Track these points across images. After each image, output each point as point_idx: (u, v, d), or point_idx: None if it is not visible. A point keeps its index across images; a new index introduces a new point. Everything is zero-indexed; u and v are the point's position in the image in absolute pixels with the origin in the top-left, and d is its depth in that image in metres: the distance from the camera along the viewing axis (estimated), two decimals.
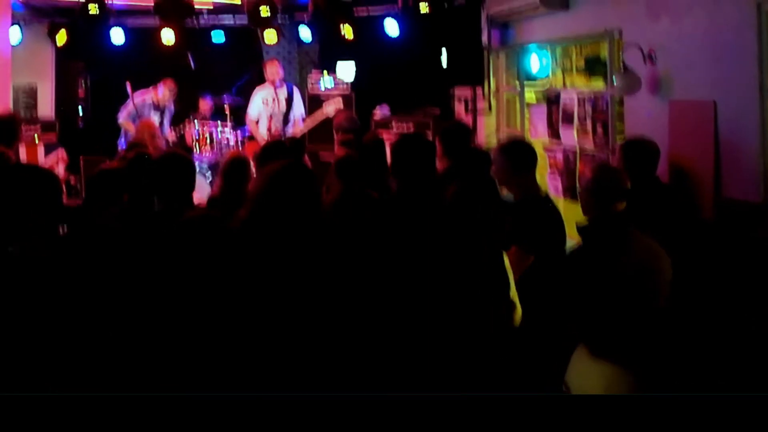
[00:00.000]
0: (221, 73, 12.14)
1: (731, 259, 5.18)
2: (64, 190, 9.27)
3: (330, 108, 10.29)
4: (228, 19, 12.04)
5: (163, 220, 4.68)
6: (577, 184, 7.63)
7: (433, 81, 10.46)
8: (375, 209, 4.81)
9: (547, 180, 8.23)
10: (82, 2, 9.94)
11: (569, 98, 7.98)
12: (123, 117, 10.43)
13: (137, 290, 4.12)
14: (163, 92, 10.50)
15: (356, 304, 3.70)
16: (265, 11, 10.53)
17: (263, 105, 10.47)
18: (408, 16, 10.61)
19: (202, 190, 6.18)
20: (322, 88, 11.69)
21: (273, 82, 10.47)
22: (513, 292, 4.61)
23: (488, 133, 9.97)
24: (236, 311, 3.65)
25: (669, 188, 5.78)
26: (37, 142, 10.45)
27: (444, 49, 9.51)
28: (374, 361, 3.72)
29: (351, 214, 4.88)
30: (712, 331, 4.68)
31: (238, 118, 10.88)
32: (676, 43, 6.11)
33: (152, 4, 10.27)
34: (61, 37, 10.84)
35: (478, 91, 9.74)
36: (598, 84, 7.97)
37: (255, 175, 5.55)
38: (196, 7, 10.69)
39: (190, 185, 5.07)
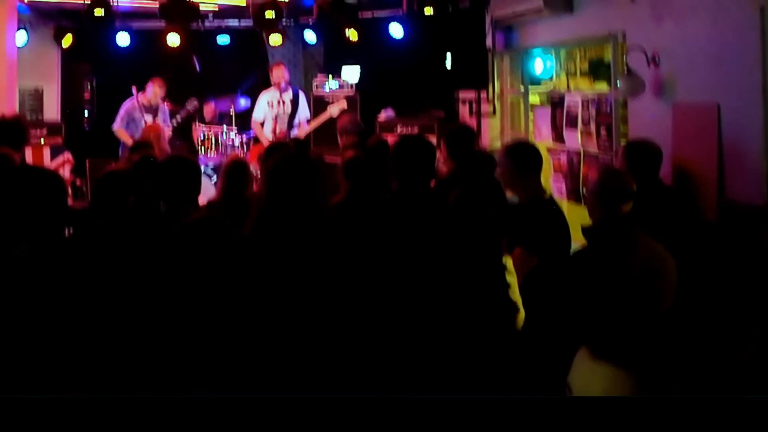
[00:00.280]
0: (226, 75, 12.15)
1: (734, 261, 5.19)
2: (70, 192, 9.31)
3: (334, 108, 10.31)
4: (233, 22, 12.07)
5: (168, 223, 4.70)
6: (582, 187, 7.65)
7: (438, 84, 10.49)
8: (379, 210, 4.82)
9: (551, 182, 8.24)
10: (88, 5, 9.96)
11: (573, 101, 7.99)
12: (116, 125, 10.36)
13: (142, 292, 4.14)
14: (152, 92, 10.38)
15: (359, 304, 3.71)
16: (270, 14, 10.56)
17: (268, 107, 10.49)
18: (412, 19, 10.63)
19: (207, 192, 6.19)
20: (327, 91, 11.72)
21: (279, 85, 10.49)
22: (516, 295, 4.62)
23: (492, 135, 9.98)
24: (243, 312, 3.66)
25: (672, 190, 5.79)
26: (43, 144, 10.50)
27: (448, 52, 9.53)
28: (377, 361, 3.74)
29: (357, 214, 4.89)
30: (715, 333, 4.68)
31: (244, 121, 10.91)
32: (680, 45, 6.12)
33: (158, 7, 10.30)
34: (67, 40, 10.85)
35: (483, 93, 9.77)
36: (602, 87, 7.98)
37: (260, 176, 5.56)
38: (201, 9, 10.71)
39: (196, 188, 5.08)
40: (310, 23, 11.66)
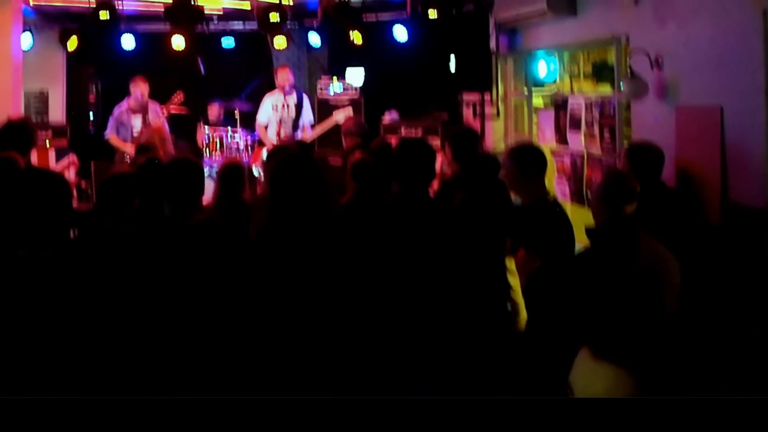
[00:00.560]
0: (231, 78, 12.17)
1: (737, 263, 5.19)
2: (75, 194, 9.33)
3: (340, 115, 10.33)
4: (238, 25, 12.09)
5: (172, 225, 4.71)
6: (585, 190, 7.65)
7: (442, 86, 10.50)
8: (384, 212, 4.83)
9: (555, 185, 8.25)
10: (93, 8, 9.98)
11: (577, 103, 8.00)
12: (108, 132, 10.32)
13: (145, 294, 4.16)
14: (138, 91, 10.29)
15: (365, 304, 3.72)
16: (274, 17, 10.57)
17: (273, 111, 10.51)
18: (417, 21, 10.64)
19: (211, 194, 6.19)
20: (332, 94, 11.74)
21: (283, 89, 10.51)
22: (518, 296, 4.64)
23: (496, 138, 9.99)
24: (248, 313, 3.67)
25: (675, 192, 5.80)
26: (48, 147, 10.52)
27: (452, 55, 9.54)
28: (383, 361, 3.75)
29: (363, 216, 4.90)
30: (718, 335, 4.69)
31: (248, 124, 10.93)
32: (683, 48, 6.13)
33: (163, 10, 10.32)
34: (72, 43, 10.87)
35: (486, 96, 9.76)
36: (606, 89, 7.98)
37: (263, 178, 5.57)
38: (206, 12, 10.73)
39: (199, 190, 5.10)
40: (315, 26, 11.68)
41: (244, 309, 3.70)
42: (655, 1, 6.44)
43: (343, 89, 11.75)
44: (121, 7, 10.34)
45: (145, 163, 5.54)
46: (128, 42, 11.30)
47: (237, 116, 10.97)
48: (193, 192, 5.01)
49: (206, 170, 5.65)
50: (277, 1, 10.54)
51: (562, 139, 8.30)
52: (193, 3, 10.03)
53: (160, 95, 10.77)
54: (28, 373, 3.79)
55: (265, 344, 3.62)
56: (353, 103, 11.10)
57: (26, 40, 10.67)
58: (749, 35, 5.37)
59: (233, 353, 3.69)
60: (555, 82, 9.13)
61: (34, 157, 7.03)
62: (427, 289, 4.08)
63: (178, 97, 10.71)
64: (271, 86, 10.86)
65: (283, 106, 10.51)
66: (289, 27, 11.49)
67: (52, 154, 10.52)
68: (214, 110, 11.22)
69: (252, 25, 11.59)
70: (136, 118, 10.26)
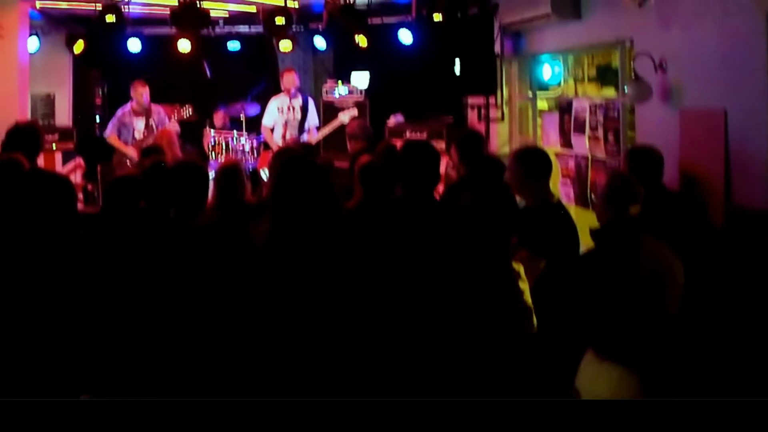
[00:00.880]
0: (237, 81, 12.19)
1: (741, 266, 5.20)
2: (82, 197, 9.38)
3: (345, 116, 10.35)
4: (243, 28, 12.11)
5: (176, 228, 4.73)
6: (589, 192, 7.67)
7: (447, 89, 10.53)
8: (391, 215, 4.83)
9: (559, 187, 8.27)
10: (100, 11, 10.02)
11: (581, 106, 8.02)
12: (108, 131, 10.34)
13: (149, 296, 4.17)
14: (137, 95, 10.30)
15: (369, 308, 3.73)
16: (280, 20, 10.59)
17: (278, 113, 10.53)
18: (422, 25, 10.66)
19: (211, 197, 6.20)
20: (337, 97, 11.77)
21: (288, 91, 10.53)
22: (529, 301, 4.64)
23: (501, 141, 10.02)
24: (252, 317, 3.68)
25: (678, 195, 5.81)
26: (54, 149, 10.57)
27: (457, 58, 9.56)
28: (390, 364, 3.76)
29: (371, 219, 4.90)
30: (722, 337, 4.70)
31: (254, 127, 10.97)
32: (687, 52, 6.15)
33: (169, 14, 10.36)
34: (79, 46, 10.90)
35: (491, 99, 9.80)
36: (610, 92, 8.00)
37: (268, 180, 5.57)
38: (212, 16, 10.76)
39: (204, 193, 5.11)
40: (320, 29, 11.70)
41: (248, 313, 3.70)
42: (659, 4, 6.45)
43: (349, 92, 11.78)
44: (127, 11, 10.38)
45: (151, 166, 5.56)
46: (134, 45, 11.33)
47: (243, 119, 11.00)
48: (197, 195, 5.02)
49: (212, 173, 5.65)
50: (283, 5, 10.56)
51: (566, 142, 8.33)
52: (199, 6, 10.06)
53: (166, 98, 10.81)
54: (32, 375, 3.81)
55: (270, 347, 3.62)
56: (358, 106, 11.14)
57: (33, 43, 10.71)
58: (753, 38, 5.39)
59: (237, 356, 3.70)
60: (559, 85, 9.15)
61: (40, 160, 7.06)
62: (435, 293, 4.08)
63: (188, 110, 10.77)
64: (276, 89, 10.88)
65: (289, 108, 10.53)
66: (294, 30, 11.51)
67: (58, 157, 10.59)
68: (219, 113, 11.26)
69: (258, 29, 11.61)
70: (139, 121, 10.29)
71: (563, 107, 8.50)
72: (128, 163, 9.74)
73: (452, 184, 6.06)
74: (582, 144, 7.93)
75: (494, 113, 9.93)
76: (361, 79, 11.95)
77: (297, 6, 10.98)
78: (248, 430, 2.81)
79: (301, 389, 3.49)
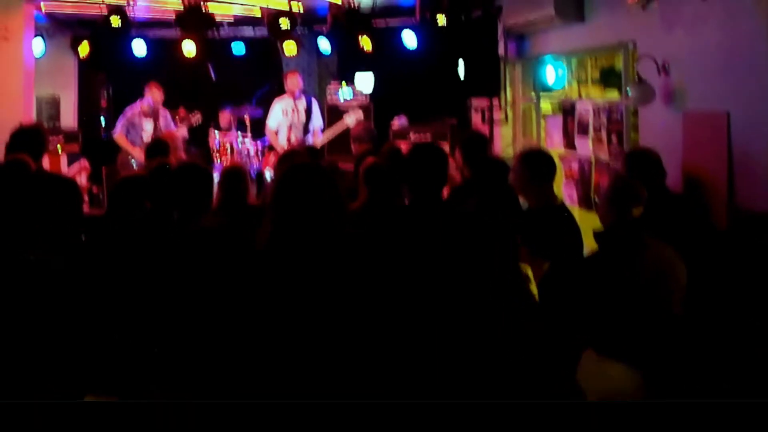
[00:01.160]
0: (241, 83, 12.21)
1: (744, 268, 5.20)
2: (87, 199, 9.40)
3: (350, 119, 10.38)
4: (248, 31, 12.16)
5: (179, 230, 4.74)
6: (593, 195, 7.68)
7: (451, 92, 10.54)
8: (400, 217, 4.83)
9: (563, 189, 8.28)
10: (105, 14, 10.05)
11: (584, 109, 8.04)
12: (117, 131, 10.36)
13: (152, 297, 4.18)
14: (151, 97, 10.39)
15: (374, 309, 3.73)
16: (284, 23, 10.62)
17: (283, 115, 10.55)
18: (426, 27, 10.68)
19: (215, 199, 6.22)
20: (341, 99, 11.81)
21: (293, 94, 10.55)
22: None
23: (505, 143, 10.04)
24: (255, 319, 3.68)
25: (680, 197, 5.82)
26: (60, 152, 10.60)
27: (461, 61, 9.58)
28: (391, 366, 3.76)
29: (378, 221, 4.90)
30: (725, 339, 4.70)
31: (258, 129, 10.99)
32: (690, 54, 6.15)
33: (174, 16, 10.40)
34: (84, 49, 10.92)
35: (495, 101, 9.81)
36: (613, 95, 8.02)
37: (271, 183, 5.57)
38: (216, 19, 10.80)
39: (208, 196, 5.12)
40: (324, 32, 11.73)
41: (249, 315, 3.70)
42: (663, 7, 6.46)
43: (353, 95, 11.81)
44: (132, 14, 10.39)
45: (156, 168, 5.58)
46: (139, 48, 11.36)
47: (247, 122, 11.02)
48: (200, 197, 5.02)
49: (216, 176, 5.67)
50: (287, 8, 10.59)
51: (570, 144, 8.34)
52: (203, 9, 10.09)
53: (171, 101, 10.84)
54: (37, 375, 3.83)
55: (271, 349, 3.63)
56: (362, 108, 11.16)
57: (38, 46, 10.75)
58: (756, 41, 5.39)
59: (239, 358, 3.70)
60: (563, 87, 9.17)
61: (46, 163, 7.08)
62: (442, 295, 4.09)
63: (196, 117, 10.81)
64: (280, 92, 10.91)
65: (293, 110, 10.55)
66: (299, 33, 11.54)
67: (63, 160, 10.61)
68: (224, 116, 11.27)
69: (262, 31, 11.64)
70: (148, 123, 10.32)
71: (567, 109, 8.52)
72: (133, 164, 9.77)
73: (456, 186, 6.08)
74: (585, 146, 7.95)
75: (498, 115, 9.95)
76: (365, 81, 11.98)
77: (301, 9, 11.01)
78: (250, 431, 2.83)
79: (303, 391, 3.50)
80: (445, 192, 5.79)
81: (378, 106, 11.57)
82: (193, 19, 10.15)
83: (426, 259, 4.13)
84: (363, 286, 3.67)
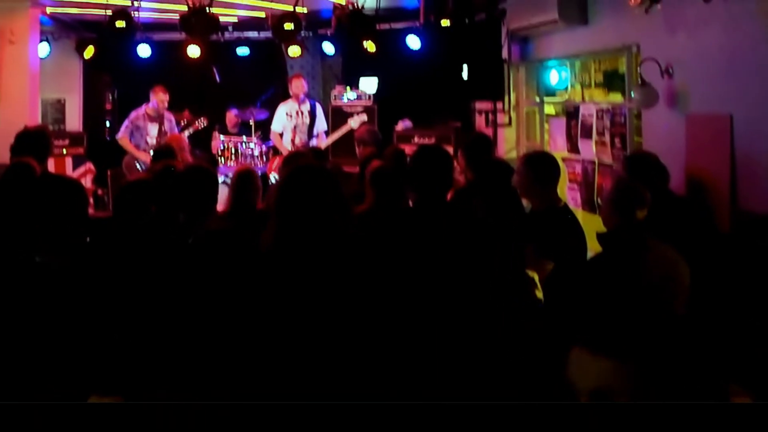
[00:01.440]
0: (246, 86, 12.22)
1: (747, 271, 5.21)
2: (92, 202, 9.43)
3: (354, 121, 10.39)
4: (253, 34, 12.17)
5: (185, 233, 4.75)
6: (596, 197, 7.69)
7: (454, 95, 10.54)
8: (406, 220, 4.84)
9: (566, 192, 8.29)
10: (110, 17, 10.08)
11: (588, 111, 8.05)
12: (120, 134, 10.37)
13: (156, 300, 4.20)
14: (156, 101, 10.41)
15: (379, 312, 3.74)
16: (289, 26, 10.63)
17: (287, 118, 10.58)
18: (429, 30, 10.69)
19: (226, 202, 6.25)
20: (345, 102, 11.82)
21: (297, 97, 10.58)
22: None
23: (508, 146, 10.05)
24: (259, 322, 3.69)
25: (684, 200, 5.83)
26: (65, 154, 10.64)
27: (465, 64, 9.59)
28: (395, 368, 3.77)
29: (384, 224, 4.91)
30: (728, 342, 4.71)
31: (263, 132, 11.02)
32: (693, 57, 6.17)
33: (178, 19, 10.42)
34: (89, 52, 10.94)
35: (499, 104, 9.82)
36: (617, 98, 8.03)
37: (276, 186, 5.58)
38: (221, 21, 10.82)
39: (213, 198, 5.14)
40: (329, 35, 11.75)
41: (254, 317, 3.71)
42: (666, 10, 6.47)
43: (357, 97, 11.84)
44: (137, 16, 10.43)
45: (161, 170, 5.59)
46: (144, 51, 11.38)
47: (252, 124, 11.05)
48: (206, 200, 5.04)
49: (221, 178, 5.69)
50: (292, 10, 10.61)
51: (573, 147, 8.35)
52: (208, 12, 10.11)
53: (175, 103, 10.86)
54: (42, 377, 3.84)
55: (274, 351, 3.63)
56: (367, 111, 11.18)
57: (43, 48, 10.79)
58: (759, 44, 5.41)
59: (242, 360, 3.71)
60: (566, 90, 9.18)
61: (51, 165, 7.11)
62: (447, 297, 4.09)
63: (202, 122, 10.84)
64: (285, 95, 10.93)
65: (298, 113, 10.58)
66: (303, 36, 11.55)
67: (69, 162, 10.65)
68: (229, 118, 11.29)
69: (267, 34, 11.65)
70: (152, 126, 10.35)
71: (570, 112, 8.53)
72: (138, 167, 9.80)
73: (460, 189, 6.09)
74: (589, 149, 7.96)
75: (502, 118, 9.96)
76: (369, 84, 12.00)
77: (306, 12, 11.03)
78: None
79: (309, 392, 3.51)
80: (449, 194, 5.82)
81: (382, 108, 11.59)
82: (198, 22, 10.17)
83: (430, 261, 4.14)
84: (367, 288, 3.68)
